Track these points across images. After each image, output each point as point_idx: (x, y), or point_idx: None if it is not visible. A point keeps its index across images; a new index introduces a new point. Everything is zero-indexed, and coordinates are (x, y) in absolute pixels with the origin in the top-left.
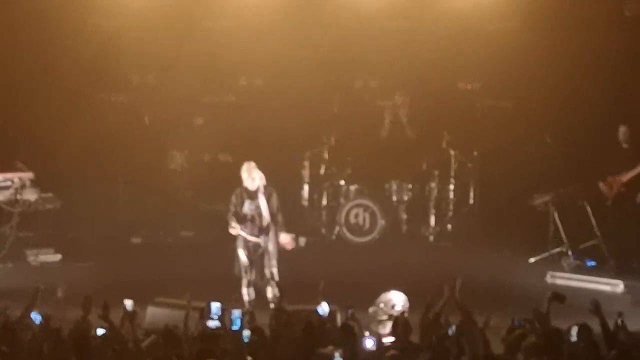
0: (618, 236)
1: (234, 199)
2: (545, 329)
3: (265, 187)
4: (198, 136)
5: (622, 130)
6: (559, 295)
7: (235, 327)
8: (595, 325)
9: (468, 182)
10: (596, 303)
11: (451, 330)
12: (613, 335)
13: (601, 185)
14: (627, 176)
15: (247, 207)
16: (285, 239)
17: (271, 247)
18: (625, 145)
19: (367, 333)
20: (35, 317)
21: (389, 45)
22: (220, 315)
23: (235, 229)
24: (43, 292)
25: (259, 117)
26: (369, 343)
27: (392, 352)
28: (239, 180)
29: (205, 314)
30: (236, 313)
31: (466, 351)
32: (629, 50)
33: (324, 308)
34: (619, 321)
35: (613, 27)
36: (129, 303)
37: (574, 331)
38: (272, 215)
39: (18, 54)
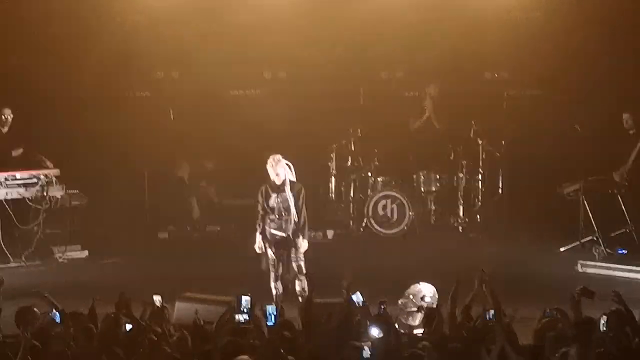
0: None
1: (259, 196)
2: (577, 319)
3: (292, 182)
4: (222, 130)
5: (625, 117)
6: (587, 291)
7: (269, 323)
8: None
9: (496, 172)
10: (617, 294)
11: (484, 318)
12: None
13: (614, 173)
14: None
15: (273, 201)
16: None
17: (301, 241)
18: (631, 132)
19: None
20: (55, 315)
21: (415, 36)
22: (249, 310)
23: (260, 248)
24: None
25: (284, 110)
26: (375, 332)
27: (424, 343)
28: (264, 174)
29: (235, 308)
30: (270, 308)
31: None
32: None
33: (358, 297)
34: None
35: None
36: (157, 299)
37: (603, 320)
38: (299, 210)
39: (42, 52)
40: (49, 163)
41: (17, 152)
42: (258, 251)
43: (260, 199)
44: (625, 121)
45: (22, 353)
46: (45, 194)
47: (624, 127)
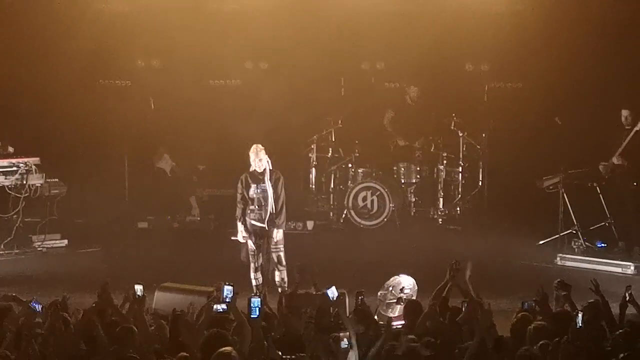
0: (628, 217)
1: (239, 186)
2: (551, 312)
3: (272, 171)
4: (203, 120)
5: (625, 113)
6: (564, 285)
7: (254, 316)
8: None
9: (477, 165)
10: (596, 283)
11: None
12: (620, 316)
13: (601, 167)
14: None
15: (253, 191)
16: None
17: (281, 233)
18: (628, 127)
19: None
20: (35, 305)
21: (396, 27)
22: (231, 299)
23: (241, 235)
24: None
25: (265, 101)
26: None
27: (409, 337)
28: (245, 165)
29: (217, 297)
30: (256, 301)
31: (475, 334)
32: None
33: (333, 292)
34: (627, 295)
35: (621, 7)
36: (139, 288)
37: (580, 318)
38: (277, 200)
39: (22, 40)
40: (10, 149)
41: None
42: (241, 240)
43: (240, 189)
44: (625, 118)
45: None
46: (24, 182)
47: (622, 122)
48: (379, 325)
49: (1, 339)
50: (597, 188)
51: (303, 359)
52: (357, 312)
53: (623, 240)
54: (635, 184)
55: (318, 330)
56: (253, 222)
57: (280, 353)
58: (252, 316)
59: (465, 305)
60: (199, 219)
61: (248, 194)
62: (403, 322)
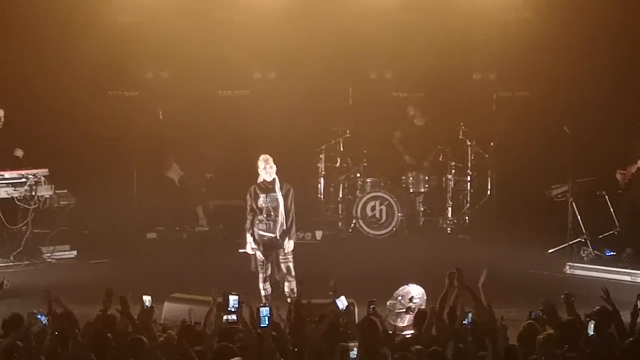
0: (637, 226)
1: (248, 197)
2: (560, 322)
3: (282, 182)
4: (212, 131)
5: None
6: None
7: (263, 325)
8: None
9: (485, 174)
10: (606, 291)
11: (467, 321)
12: (631, 324)
13: (618, 174)
14: (634, 167)
15: (262, 201)
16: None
17: (287, 242)
18: None
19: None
20: (41, 317)
21: (404, 36)
22: (237, 309)
23: (249, 246)
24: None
25: (274, 111)
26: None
27: (417, 347)
28: (253, 175)
29: (223, 308)
30: (265, 311)
31: (487, 344)
32: None
33: (342, 301)
34: (639, 303)
35: (630, 17)
36: (147, 299)
37: (591, 326)
38: (288, 212)
39: (31, 51)
40: (18, 151)
41: (18, 153)
42: (250, 252)
43: (249, 200)
44: None
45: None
46: (33, 193)
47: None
48: (387, 335)
49: (11, 352)
50: (606, 196)
51: None
52: (364, 322)
53: (633, 248)
54: None
55: (325, 340)
56: (262, 232)
57: None
58: (261, 325)
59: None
60: (207, 229)
61: (257, 204)
62: (412, 331)
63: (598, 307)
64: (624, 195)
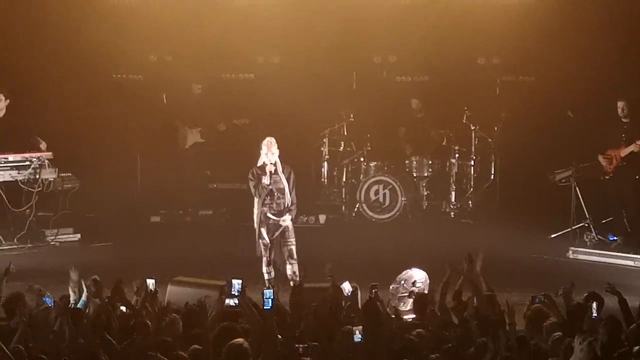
0: (632, 210)
1: (250, 177)
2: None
3: (284, 165)
4: (215, 114)
5: (621, 104)
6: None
7: (267, 307)
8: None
9: (489, 158)
10: (611, 285)
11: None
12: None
13: (601, 158)
14: (625, 151)
15: (265, 184)
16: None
17: (290, 225)
18: (625, 120)
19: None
20: (48, 300)
21: (408, 20)
22: (240, 293)
23: (263, 239)
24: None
25: (277, 95)
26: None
27: (418, 330)
28: (256, 158)
29: (226, 291)
30: (268, 293)
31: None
32: None
33: (346, 286)
34: None
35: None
36: (150, 282)
37: (594, 307)
38: (290, 193)
39: (35, 36)
40: (42, 144)
41: (42, 146)
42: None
43: (252, 182)
44: (621, 109)
45: (18, 338)
46: (37, 176)
47: (618, 114)
48: (390, 319)
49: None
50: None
51: (316, 348)
52: (366, 306)
53: (636, 233)
54: (638, 177)
55: (329, 323)
56: (268, 214)
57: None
58: (265, 307)
59: (475, 299)
60: (211, 212)
61: (260, 186)
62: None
63: (589, 292)
64: (611, 182)
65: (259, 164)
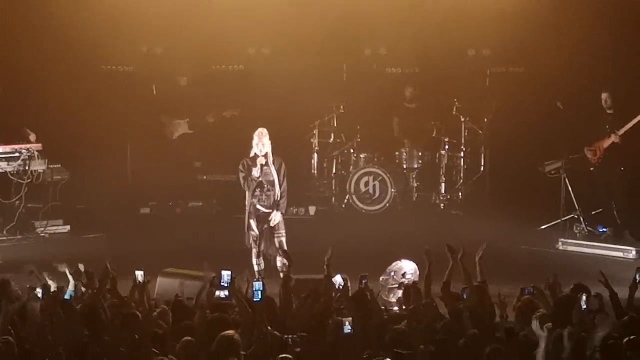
0: (630, 202)
1: (241, 168)
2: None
3: (274, 157)
4: (205, 105)
5: (605, 96)
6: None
7: (256, 299)
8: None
9: (479, 149)
10: (604, 276)
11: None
12: (629, 299)
13: (586, 150)
14: (607, 142)
15: (255, 175)
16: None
17: (279, 216)
18: (609, 111)
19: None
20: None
21: (398, 12)
22: (230, 284)
23: (253, 230)
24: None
25: (267, 86)
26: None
27: (408, 322)
28: (247, 151)
29: (216, 283)
30: (257, 285)
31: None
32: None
33: (337, 279)
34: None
35: None
36: (139, 274)
37: (584, 299)
38: (280, 185)
39: (24, 27)
40: (32, 136)
41: (32, 137)
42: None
43: (241, 173)
44: (604, 100)
45: (1, 324)
46: (27, 168)
47: (603, 106)
48: (380, 310)
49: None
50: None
51: (304, 339)
52: (356, 296)
53: (625, 224)
54: (622, 168)
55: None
56: (258, 206)
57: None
58: (254, 299)
59: (467, 291)
60: (201, 204)
61: (250, 177)
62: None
63: (575, 284)
64: (597, 173)
65: (251, 154)
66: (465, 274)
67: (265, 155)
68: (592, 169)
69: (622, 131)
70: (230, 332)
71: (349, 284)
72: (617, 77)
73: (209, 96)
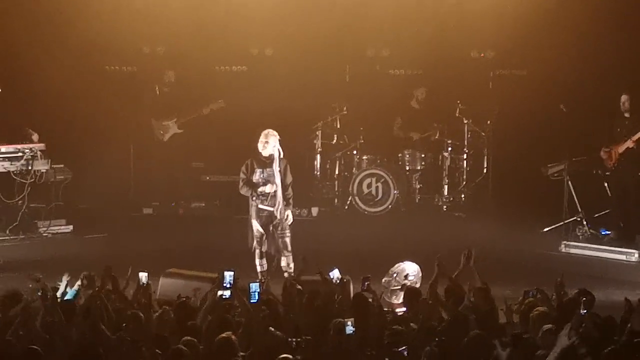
0: (630, 206)
1: (243, 169)
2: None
3: (280, 158)
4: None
5: (624, 98)
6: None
7: (252, 300)
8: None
9: (481, 152)
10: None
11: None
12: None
13: (602, 153)
14: (622, 146)
15: (258, 176)
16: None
17: (284, 217)
18: (627, 115)
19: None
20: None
21: (402, 14)
22: (232, 285)
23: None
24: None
25: (270, 87)
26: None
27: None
28: (250, 151)
29: (219, 284)
30: (254, 286)
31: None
32: None
33: (335, 273)
34: None
35: None
36: (143, 275)
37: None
38: (285, 186)
39: (27, 27)
40: (35, 136)
41: (34, 137)
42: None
43: (243, 174)
44: (623, 103)
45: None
46: (30, 168)
47: (621, 109)
48: (381, 312)
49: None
50: (602, 176)
51: (308, 342)
52: (356, 298)
53: (628, 227)
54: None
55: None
56: (261, 205)
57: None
58: (251, 301)
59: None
60: (203, 205)
61: (254, 178)
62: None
63: (579, 289)
64: (612, 176)
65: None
66: (476, 277)
67: (270, 157)
68: (608, 173)
69: (636, 136)
70: (227, 333)
71: (351, 286)
72: (636, 80)
73: (209, 96)
